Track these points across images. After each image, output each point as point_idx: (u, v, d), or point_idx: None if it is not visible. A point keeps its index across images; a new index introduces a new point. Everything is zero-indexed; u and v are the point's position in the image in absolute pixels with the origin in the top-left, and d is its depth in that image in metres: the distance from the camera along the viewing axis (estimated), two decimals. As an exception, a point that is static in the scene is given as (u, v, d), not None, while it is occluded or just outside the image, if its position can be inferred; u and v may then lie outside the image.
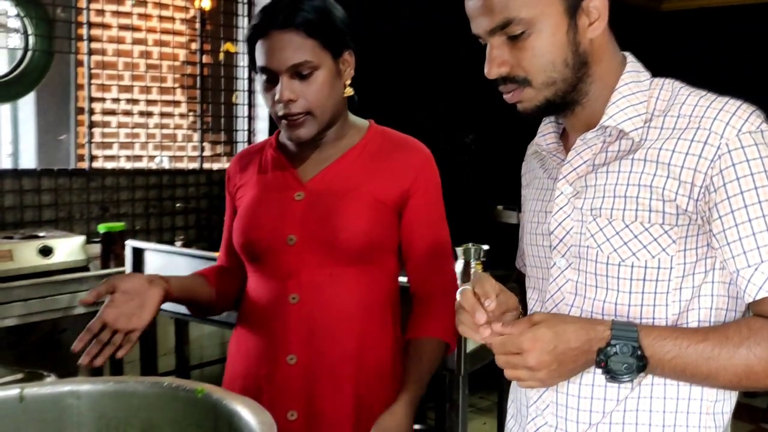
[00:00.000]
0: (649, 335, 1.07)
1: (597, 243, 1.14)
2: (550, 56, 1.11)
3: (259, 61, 1.47)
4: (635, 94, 1.15)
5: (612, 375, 1.07)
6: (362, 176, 1.54)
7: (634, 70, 1.18)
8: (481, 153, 4.95)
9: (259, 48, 1.47)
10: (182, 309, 2.59)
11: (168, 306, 2.60)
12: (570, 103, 1.17)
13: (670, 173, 1.09)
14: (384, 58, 4.14)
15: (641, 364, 1.06)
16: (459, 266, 2.43)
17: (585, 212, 1.16)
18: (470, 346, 2.11)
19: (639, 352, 1.06)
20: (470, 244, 2.45)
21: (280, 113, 1.47)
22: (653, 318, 1.12)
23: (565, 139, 1.26)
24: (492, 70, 1.14)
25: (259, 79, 1.50)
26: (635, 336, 1.06)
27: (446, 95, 4.61)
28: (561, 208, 1.19)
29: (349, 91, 1.55)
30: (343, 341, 1.52)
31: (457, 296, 1.12)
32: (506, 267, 3.20)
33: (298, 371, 1.52)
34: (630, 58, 1.20)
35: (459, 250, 2.45)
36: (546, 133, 1.27)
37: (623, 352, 1.06)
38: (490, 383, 3.86)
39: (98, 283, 1.45)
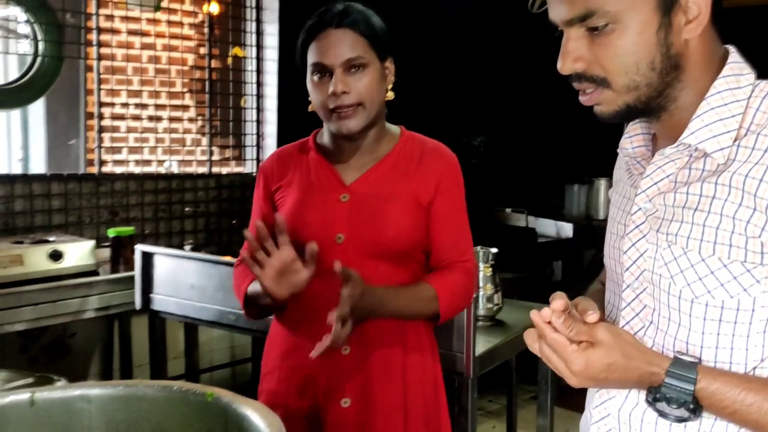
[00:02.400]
0: (710, 384, 0.95)
1: (670, 273, 1.00)
2: (634, 57, 0.97)
3: (314, 58, 1.59)
4: (728, 105, 0.99)
5: (658, 414, 0.99)
6: (400, 180, 1.67)
7: (733, 73, 1.01)
8: (491, 156, 4.94)
9: (314, 46, 1.60)
10: (190, 313, 2.61)
11: (176, 310, 2.62)
12: (655, 109, 1.02)
13: (756, 206, 0.94)
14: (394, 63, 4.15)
15: (693, 415, 0.96)
16: (467, 269, 2.43)
17: (660, 236, 1.02)
18: (479, 350, 2.10)
19: (691, 406, 0.96)
20: (479, 247, 2.45)
21: (332, 106, 1.59)
22: (730, 363, 0.99)
23: (655, 143, 1.11)
24: (566, 65, 1.01)
25: (309, 77, 1.62)
26: (690, 390, 0.95)
27: (455, 97, 4.61)
28: (637, 227, 1.07)
29: (390, 95, 1.69)
30: (390, 330, 1.65)
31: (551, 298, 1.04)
32: (514, 270, 3.21)
33: (351, 361, 1.63)
34: (732, 56, 1.03)
35: (467, 253, 2.44)
36: (633, 135, 1.12)
37: (672, 401, 0.96)
38: (499, 386, 3.85)
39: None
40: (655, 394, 0.98)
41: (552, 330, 0.99)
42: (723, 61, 1.03)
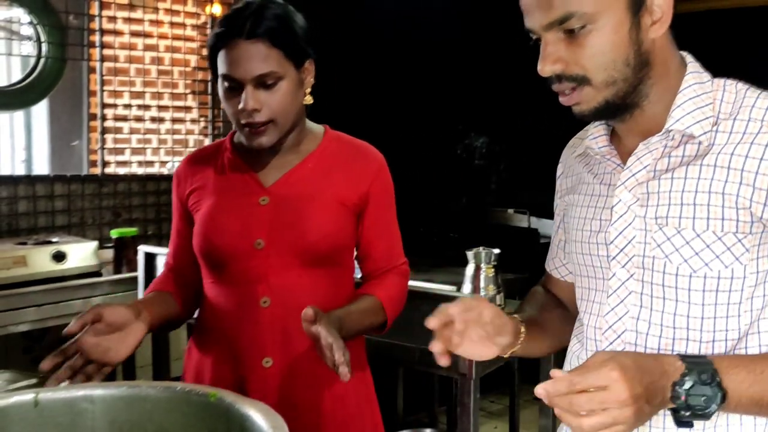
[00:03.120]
0: (721, 363, 0.99)
1: (665, 253, 1.08)
2: (611, 54, 1.05)
3: (223, 69, 1.48)
4: (700, 96, 1.09)
5: (692, 411, 0.96)
6: (323, 181, 1.58)
7: (695, 71, 1.12)
8: (493, 156, 4.94)
9: (224, 56, 1.48)
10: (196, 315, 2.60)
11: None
12: (630, 105, 1.10)
13: (743, 179, 1.03)
14: (398, 64, 4.15)
15: (721, 394, 0.96)
16: (470, 270, 2.43)
17: (649, 221, 1.10)
18: (481, 350, 2.10)
19: (718, 378, 0.96)
20: (481, 248, 2.45)
21: (243, 121, 1.50)
22: (726, 329, 1.07)
23: (616, 142, 1.19)
24: (546, 68, 1.07)
25: (220, 84, 1.52)
26: (710, 364, 0.97)
27: (458, 98, 4.61)
28: (621, 216, 1.13)
29: (309, 100, 1.58)
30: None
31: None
32: (516, 270, 3.21)
33: (274, 373, 1.54)
34: (689, 58, 1.14)
35: (470, 254, 2.45)
36: (597, 136, 1.20)
37: (702, 381, 0.96)
38: (501, 387, 3.85)
39: (81, 313, 1.41)
40: (682, 383, 0.95)
41: (570, 393, 0.92)
42: (683, 63, 1.13)
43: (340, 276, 1.61)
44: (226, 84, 1.50)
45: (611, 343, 1.13)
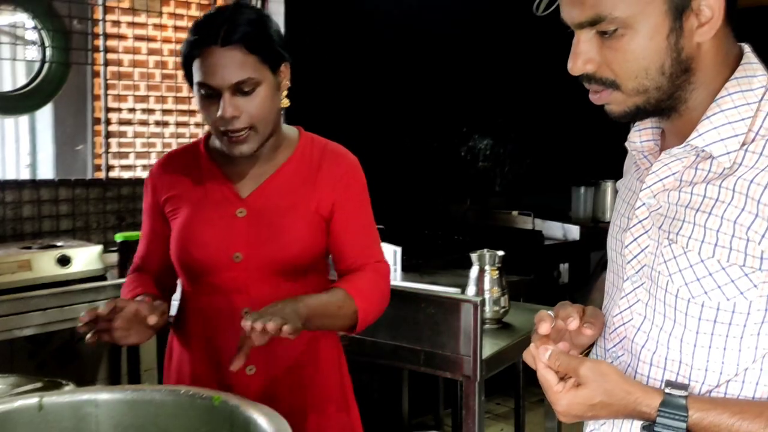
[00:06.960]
0: (702, 419, 0.95)
1: (669, 271, 1.01)
2: (644, 62, 0.97)
3: (199, 77, 1.47)
4: (738, 108, 0.99)
5: None
6: (300, 189, 1.59)
7: (746, 75, 1.00)
8: (497, 158, 4.94)
9: (199, 64, 1.47)
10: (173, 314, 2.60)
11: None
12: (665, 110, 1.02)
13: (759, 212, 0.94)
14: (401, 65, 4.15)
15: None
16: (474, 272, 2.43)
17: (662, 233, 1.03)
18: (486, 353, 2.10)
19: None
20: (485, 250, 2.44)
21: (222, 129, 1.49)
22: (722, 363, 0.99)
23: (664, 138, 1.11)
24: (576, 66, 1.01)
25: (196, 92, 1.51)
26: (683, 428, 0.95)
27: (461, 100, 4.61)
28: (640, 222, 1.07)
29: (285, 103, 1.59)
30: (297, 346, 1.57)
31: (536, 319, 1.09)
32: (521, 272, 3.21)
33: (258, 380, 1.56)
34: (747, 56, 1.03)
35: (474, 256, 2.44)
36: (642, 128, 1.12)
37: (671, 427, 0.95)
38: (507, 389, 3.85)
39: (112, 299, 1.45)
40: (650, 427, 0.98)
41: (543, 366, 1.03)
42: (737, 60, 1.02)
43: (316, 281, 1.62)
44: (202, 92, 1.48)
45: (614, 346, 1.11)
